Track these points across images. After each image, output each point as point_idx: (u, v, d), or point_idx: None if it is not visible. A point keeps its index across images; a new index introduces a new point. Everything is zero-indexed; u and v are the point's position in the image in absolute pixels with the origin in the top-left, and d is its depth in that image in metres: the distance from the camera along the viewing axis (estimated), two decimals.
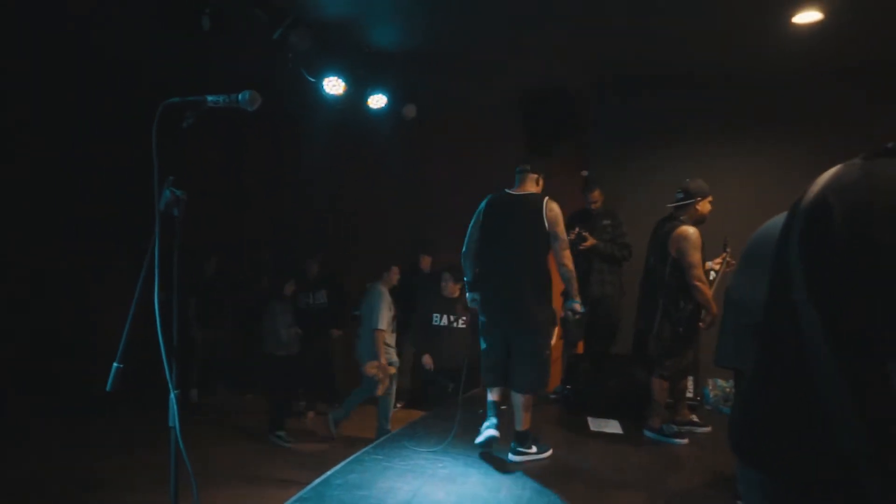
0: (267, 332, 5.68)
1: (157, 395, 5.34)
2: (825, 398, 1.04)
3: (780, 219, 3.17)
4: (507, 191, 3.98)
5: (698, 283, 4.06)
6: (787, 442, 1.14)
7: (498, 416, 3.88)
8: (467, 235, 3.96)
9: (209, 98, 1.50)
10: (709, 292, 4.13)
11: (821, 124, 5.43)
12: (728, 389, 5.15)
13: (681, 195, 4.31)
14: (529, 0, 4.31)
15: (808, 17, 4.32)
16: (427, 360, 5.73)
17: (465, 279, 4.08)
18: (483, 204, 3.96)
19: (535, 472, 3.56)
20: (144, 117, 2.60)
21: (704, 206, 4.28)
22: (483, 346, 3.94)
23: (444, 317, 5.57)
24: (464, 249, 3.99)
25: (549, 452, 3.86)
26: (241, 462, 4.84)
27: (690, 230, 4.13)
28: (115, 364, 1.60)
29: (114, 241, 6.39)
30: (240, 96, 1.49)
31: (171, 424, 1.54)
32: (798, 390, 1.11)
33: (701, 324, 4.23)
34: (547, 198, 3.85)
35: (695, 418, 4.66)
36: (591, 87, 6.18)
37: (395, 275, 5.56)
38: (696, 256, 4.08)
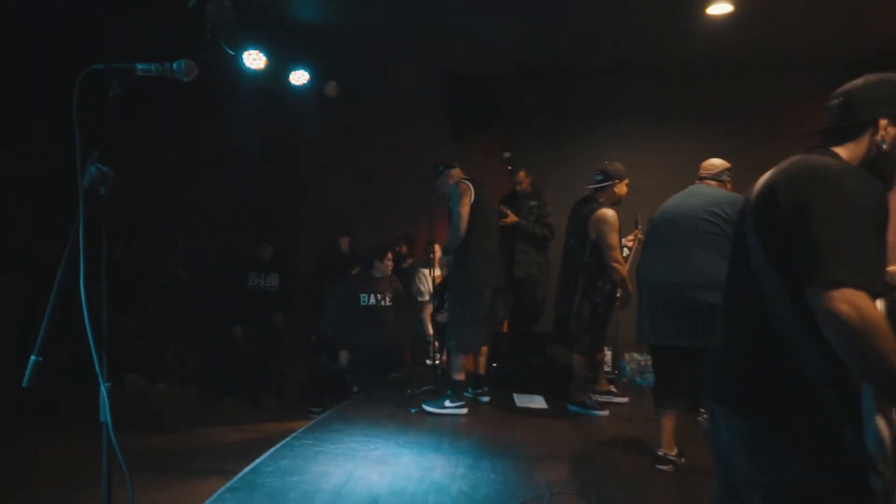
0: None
1: (72, 388, 4.98)
2: (789, 342, 1.34)
3: (679, 198, 3.41)
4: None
5: (616, 265, 4.24)
6: (764, 383, 1.41)
7: None
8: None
9: (139, 66, 1.38)
10: (625, 272, 4.32)
11: (730, 112, 5.78)
12: (643, 363, 5.44)
13: (599, 177, 4.46)
14: None
15: (720, 8, 4.56)
16: (345, 355, 5.68)
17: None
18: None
19: (467, 450, 3.63)
20: (58, 86, 2.38)
21: (621, 189, 4.45)
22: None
23: (372, 296, 5.54)
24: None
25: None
26: (162, 455, 4.62)
27: (609, 213, 4.30)
28: (32, 357, 1.47)
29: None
30: (174, 65, 1.38)
31: (102, 419, 1.43)
32: (766, 341, 1.40)
33: (617, 302, 4.44)
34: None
35: (613, 389, 4.91)
36: (514, 73, 6.26)
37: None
38: (614, 238, 4.26)
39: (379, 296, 5.56)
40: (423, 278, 6.49)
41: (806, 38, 5.08)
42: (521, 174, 5.53)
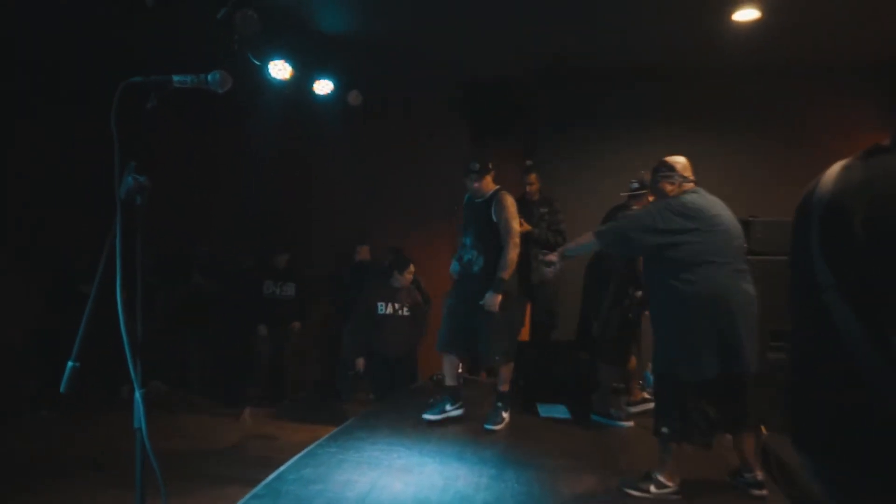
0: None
1: (105, 395, 5.06)
2: (873, 386, 1.11)
3: (722, 209, 3.31)
4: None
5: None
6: (841, 425, 1.20)
7: None
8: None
9: (175, 78, 1.40)
10: None
11: (757, 118, 5.71)
12: None
13: (635, 185, 4.42)
14: None
15: (747, 14, 4.51)
16: (360, 363, 5.70)
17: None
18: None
19: (490, 460, 3.60)
20: (89, 99, 2.44)
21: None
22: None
23: (389, 305, 5.56)
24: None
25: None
26: (183, 460, 4.66)
27: None
28: (69, 363, 1.49)
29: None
30: (209, 77, 1.40)
31: (136, 426, 1.45)
32: (847, 379, 1.17)
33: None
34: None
35: (647, 395, 4.81)
36: (534, 77, 6.25)
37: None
38: None
39: (396, 305, 5.57)
40: None
41: (833, 43, 5.00)
42: (533, 176, 5.55)
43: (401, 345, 5.59)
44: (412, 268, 5.67)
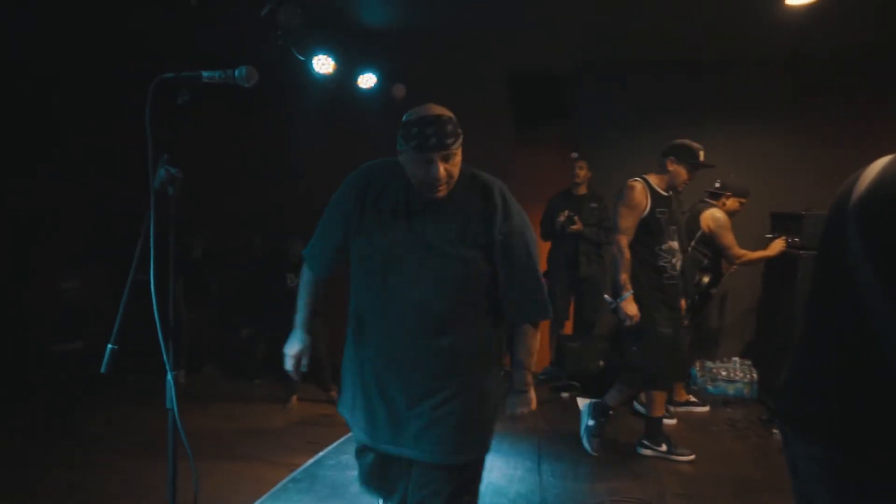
0: None
1: (147, 377, 5.32)
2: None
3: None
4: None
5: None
6: (856, 407, 1.17)
7: None
8: None
9: (204, 74, 1.46)
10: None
11: (812, 107, 5.46)
12: (715, 371, 5.22)
13: (717, 184, 4.63)
14: None
15: None
16: None
17: None
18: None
19: (526, 452, 3.60)
20: (129, 93, 2.55)
21: (732, 203, 4.58)
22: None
23: None
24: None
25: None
26: (232, 444, 4.84)
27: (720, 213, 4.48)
28: (109, 345, 1.58)
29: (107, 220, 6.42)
30: (236, 72, 1.45)
31: (168, 406, 1.52)
32: (865, 359, 1.15)
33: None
34: None
35: (693, 399, 4.75)
36: (579, 69, 6.15)
37: None
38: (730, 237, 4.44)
39: None
40: None
41: (892, 27, 4.73)
42: (583, 163, 5.54)
43: None
44: None
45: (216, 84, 1.46)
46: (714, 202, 4.55)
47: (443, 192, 1.85)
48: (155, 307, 1.45)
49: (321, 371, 6.29)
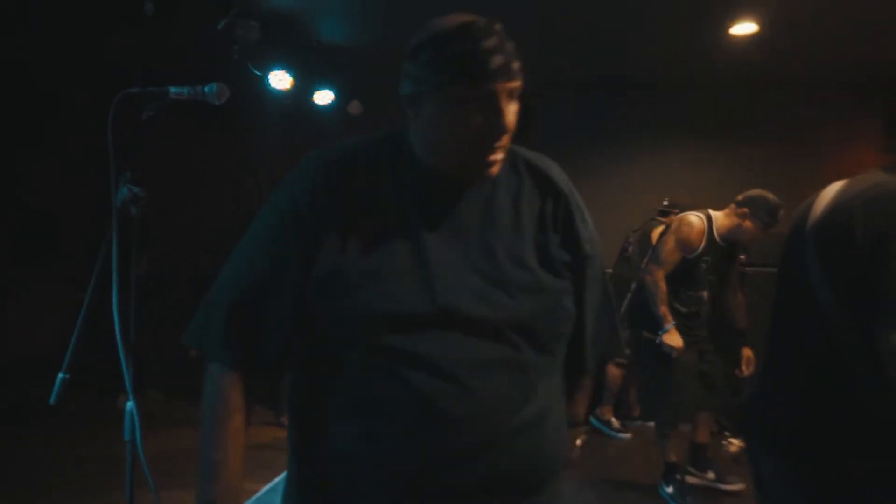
0: None
1: (90, 404, 5.05)
2: (861, 380, 1.12)
3: None
4: None
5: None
6: (823, 424, 1.19)
7: None
8: None
9: (172, 89, 1.41)
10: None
11: (756, 132, 5.72)
12: None
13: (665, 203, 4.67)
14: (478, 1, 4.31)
15: (744, 28, 4.53)
16: None
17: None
18: None
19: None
20: (86, 108, 2.46)
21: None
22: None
23: None
24: None
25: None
26: (182, 471, 4.62)
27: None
28: (60, 374, 1.49)
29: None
30: (206, 88, 1.40)
31: (126, 438, 1.44)
32: (829, 377, 1.18)
33: None
34: None
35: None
36: (538, 89, 6.27)
37: None
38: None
39: None
40: None
41: (831, 58, 5.02)
42: None
43: None
44: None
45: (186, 101, 1.42)
46: (664, 220, 4.61)
47: (497, 167, 1.08)
48: (118, 331, 1.38)
49: (274, 391, 6.12)
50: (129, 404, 1.37)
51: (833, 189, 1.29)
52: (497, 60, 1.02)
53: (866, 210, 1.16)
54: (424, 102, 1.06)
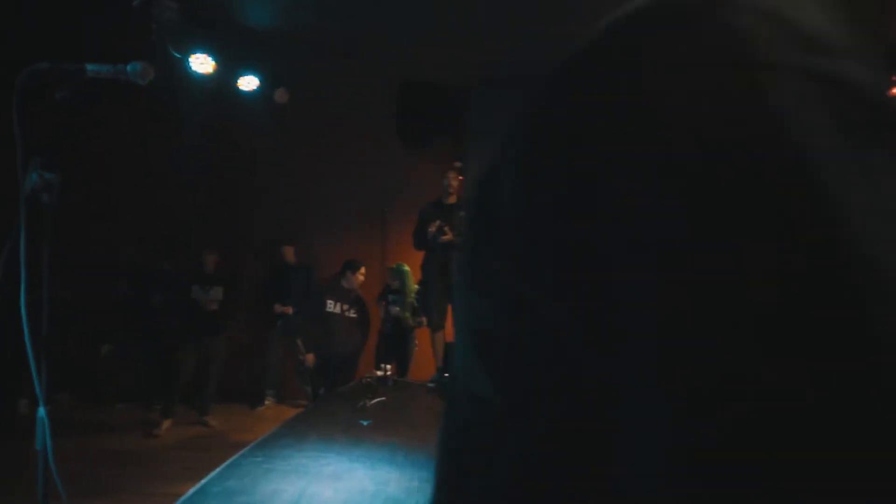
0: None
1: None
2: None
3: None
4: None
5: None
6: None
7: None
8: None
9: (89, 67, 1.29)
10: None
11: None
12: None
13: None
14: None
15: None
16: (310, 358, 5.60)
17: None
18: None
19: (422, 463, 3.58)
20: None
21: None
22: None
23: (338, 304, 5.50)
24: None
25: None
26: (99, 477, 4.37)
27: None
28: None
29: None
30: (129, 67, 1.29)
31: (38, 447, 1.32)
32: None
33: None
34: None
35: None
36: (470, 82, 6.28)
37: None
38: None
39: (345, 305, 5.52)
40: None
41: None
42: (452, 174, 5.58)
43: (345, 346, 5.52)
44: (364, 270, 5.63)
45: (105, 80, 1.30)
46: None
47: None
48: (26, 332, 1.26)
49: (200, 391, 5.91)
50: (41, 411, 1.26)
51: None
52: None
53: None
54: None
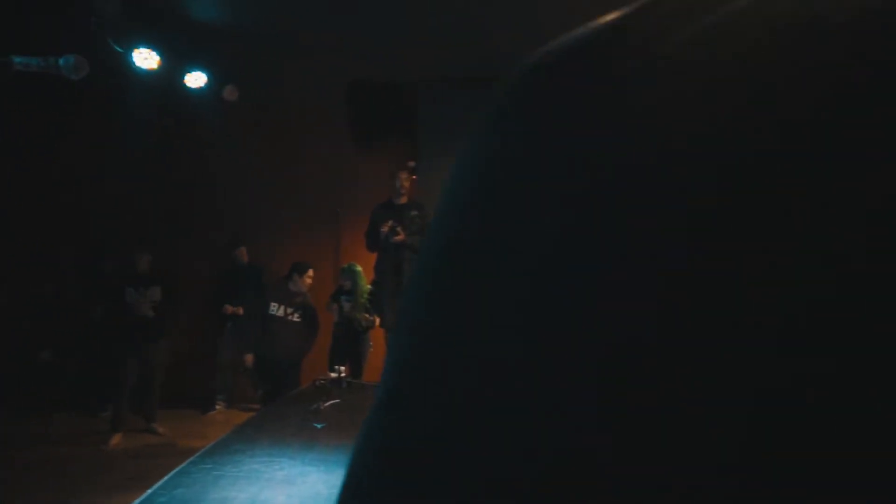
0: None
1: None
2: None
3: None
4: None
5: None
6: None
7: None
8: None
9: (16, 59, 1.22)
10: None
11: None
12: None
13: None
14: None
15: None
16: (249, 358, 5.50)
17: None
18: None
19: None
20: None
21: None
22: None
23: (282, 307, 5.39)
24: None
25: None
26: (34, 491, 4.18)
27: None
28: None
29: None
30: (61, 61, 1.23)
31: None
32: None
33: None
34: None
35: None
36: (421, 82, 6.29)
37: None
38: None
39: (289, 309, 5.41)
40: None
41: None
42: (404, 175, 5.57)
43: (287, 350, 5.39)
44: (311, 273, 5.53)
45: (35, 73, 1.24)
46: None
47: None
48: None
49: (145, 398, 5.72)
50: None
51: None
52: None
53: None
54: None
